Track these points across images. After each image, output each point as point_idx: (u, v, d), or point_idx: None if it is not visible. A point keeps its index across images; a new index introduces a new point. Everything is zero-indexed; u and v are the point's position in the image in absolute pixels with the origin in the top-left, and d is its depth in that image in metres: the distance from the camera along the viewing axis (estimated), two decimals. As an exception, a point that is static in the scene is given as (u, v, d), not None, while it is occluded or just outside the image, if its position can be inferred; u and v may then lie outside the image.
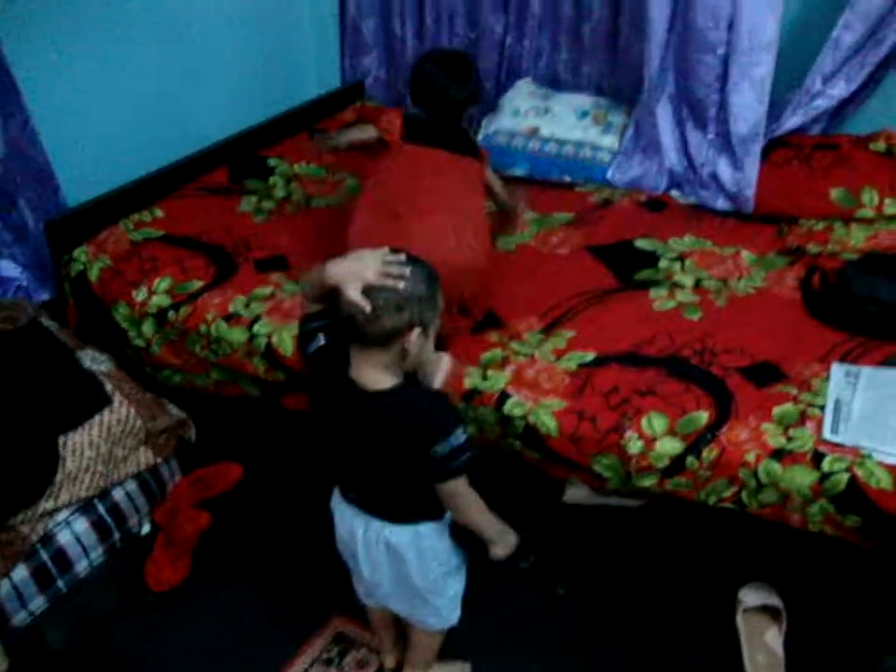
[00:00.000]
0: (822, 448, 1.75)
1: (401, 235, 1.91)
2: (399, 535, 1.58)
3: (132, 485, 2.17)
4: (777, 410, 1.85)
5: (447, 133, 2.23)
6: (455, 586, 1.72)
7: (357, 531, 1.62)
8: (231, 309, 2.24)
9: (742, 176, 2.68)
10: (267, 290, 2.30)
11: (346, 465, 1.62)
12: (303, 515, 2.26)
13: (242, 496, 2.33)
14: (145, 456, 2.18)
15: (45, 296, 2.49)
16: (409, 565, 1.60)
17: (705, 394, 1.90)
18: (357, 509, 1.61)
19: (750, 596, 1.92)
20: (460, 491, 1.47)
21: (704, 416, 1.84)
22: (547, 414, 1.90)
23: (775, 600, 1.91)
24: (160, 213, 2.64)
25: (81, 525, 2.05)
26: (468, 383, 1.99)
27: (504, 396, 1.95)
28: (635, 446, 1.83)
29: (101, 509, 2.09)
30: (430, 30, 3.25)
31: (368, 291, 1.38)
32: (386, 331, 1.38)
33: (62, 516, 2.01)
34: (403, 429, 1.43)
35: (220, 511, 2.26)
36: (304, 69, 3.39)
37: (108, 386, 2.14)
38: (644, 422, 1.85)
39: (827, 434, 1.77)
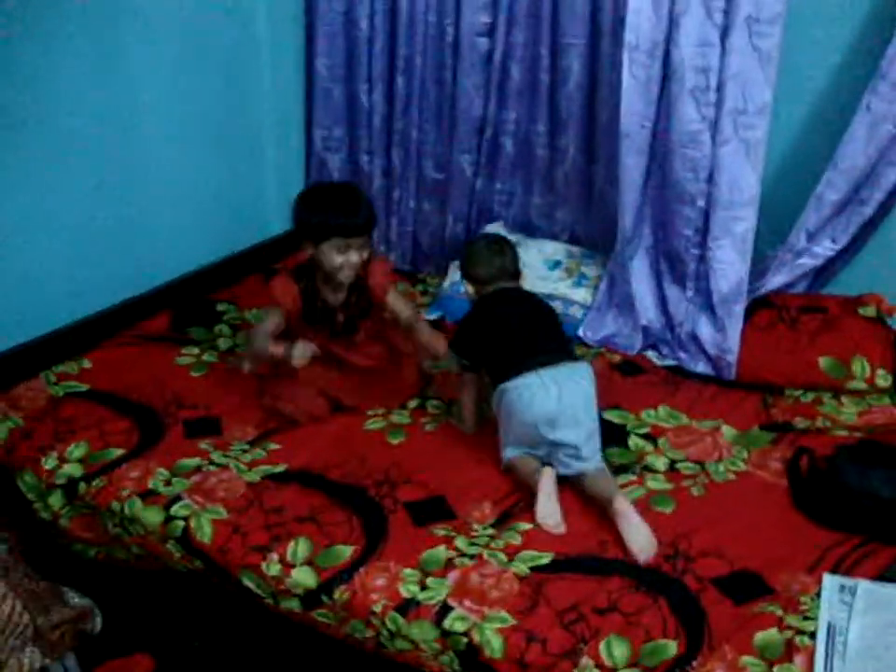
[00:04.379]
0: (814, 695, 1.48)
1: None
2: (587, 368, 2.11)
3: (14, 691, 1.86)
4: (759, 637, 1.58)
5: None
6: None
7: (564, 385, 2.00)
8: (149, 485, 1.99)
9: (724, 339, 2.48)
10: (193, 462, 2.07)
11: (528, 341, 2.08)
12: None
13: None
14: (31, 658, 1.87)
15: (-52, 455, 2.23)
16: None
17: (672, 614, 1.63)
18: (552, 368, 2.01)
19: None
20: None
21: (672, 647, 1.56)
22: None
23: None
24: (87, 364, 2.42)
25: (-57, 748, 1.74)
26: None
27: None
28: (591, 678, 1.55)
29: (-29, 723, 1.78)
30: (398, 169, 3.11)
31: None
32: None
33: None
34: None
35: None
36: (266, 204, 3.23)
37: (-6, 576, 1.86)
38: (602, 647, 1.58)
39: (819, 675, 1.50)
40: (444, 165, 3.05)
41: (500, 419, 2.08)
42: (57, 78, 2.33)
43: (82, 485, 2.03)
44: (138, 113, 2.60)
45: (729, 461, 2.11)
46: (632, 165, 2.50)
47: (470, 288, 2.26)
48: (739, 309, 2.46)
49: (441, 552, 1.80)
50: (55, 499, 2.06)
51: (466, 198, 3.06)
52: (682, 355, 2.58)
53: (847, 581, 1.70)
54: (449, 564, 1.77)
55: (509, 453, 2.05)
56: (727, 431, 2.23)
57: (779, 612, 1.64)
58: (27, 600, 1.88)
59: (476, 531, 1.87)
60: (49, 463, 2.08)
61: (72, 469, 2.06)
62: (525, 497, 1.96)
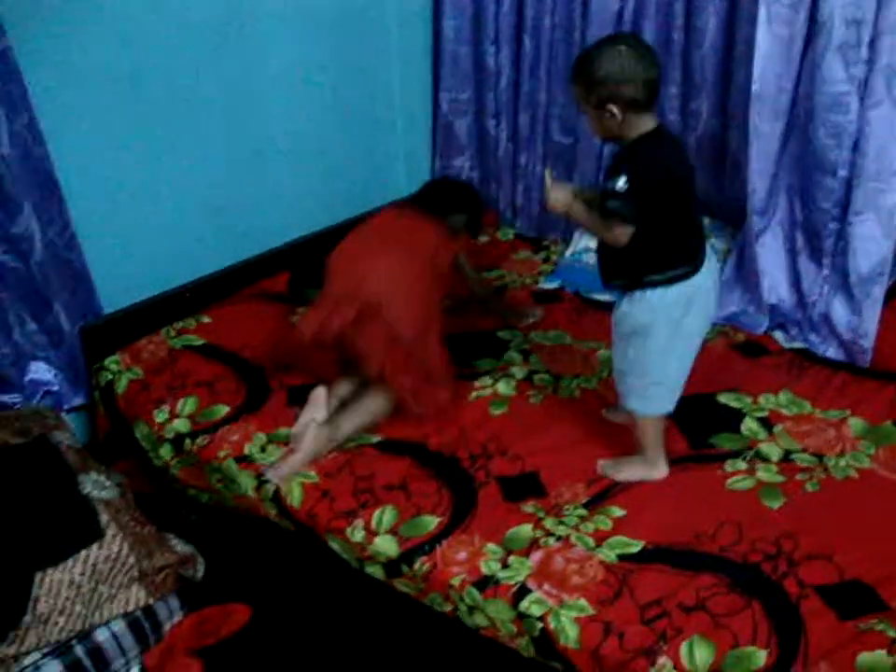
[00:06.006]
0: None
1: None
2: None
3: (119, 625, 1.96)
4: (863, 658, 1.44)
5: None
6: None
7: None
8: (245, 450, 2.05)
9: (860, 322, 2.27)
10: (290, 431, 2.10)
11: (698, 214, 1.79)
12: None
13: (247, 643, 2.09)
14: (136, 596, 1.97)
15: (78, 401, 2.38)
16: None
17: (766, 619, 1.51)
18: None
19: None
20: None
21: (761, 656, 1.45)
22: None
23: None
24: (206, 319, 2.50)
25: (53, 668, 1.86)
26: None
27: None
28: (667, 678, 1.46)
29: (79, 651, 1.89)
30: (524, 133, 3.03)
31: None
32: None
33: (29, 660, 1.83)
34: None
35: (219, 661, 2.02)
36: (393, 168, 3.22)
37: (104, 517, 1.96)
38: (684, 648, 1.49)
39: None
40: (572, 129, 2.94)
41: (665, 339, 1.75)
42: (187, 44, 2.38)
43: (188, 441, 2.10)
44: (266, 78, 2.63)
45: (852, 456, 1.94)
46: (767, 131, 2.32)
47: (613, 119, 1.64)
48: (879, 290, 2.24)
49: (528, 530, 1.76)
50: (165, 451, 2.16)
51: (594, 163, 2.94)
52: (813, 337, 2.39)
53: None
54: (534, 543, 1.72)
55: (668, 401, 1.85)
56: (855, 424, 2.04)
57: (892, 633, 1.49)
58: (133, 543, 1.98)
59: (566, 512, 1.81)
60: (160, 416, 2.17)
61: (180, 425, 2.15)
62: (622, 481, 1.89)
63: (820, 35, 2.18)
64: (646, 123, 1.66)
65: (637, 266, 1.71)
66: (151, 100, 2.34)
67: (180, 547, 2.11)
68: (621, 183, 1.60)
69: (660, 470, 1.89)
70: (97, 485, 2.06)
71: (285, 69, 2.67)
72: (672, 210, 1.68)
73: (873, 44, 2.12)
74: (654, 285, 1.70)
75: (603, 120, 1.66)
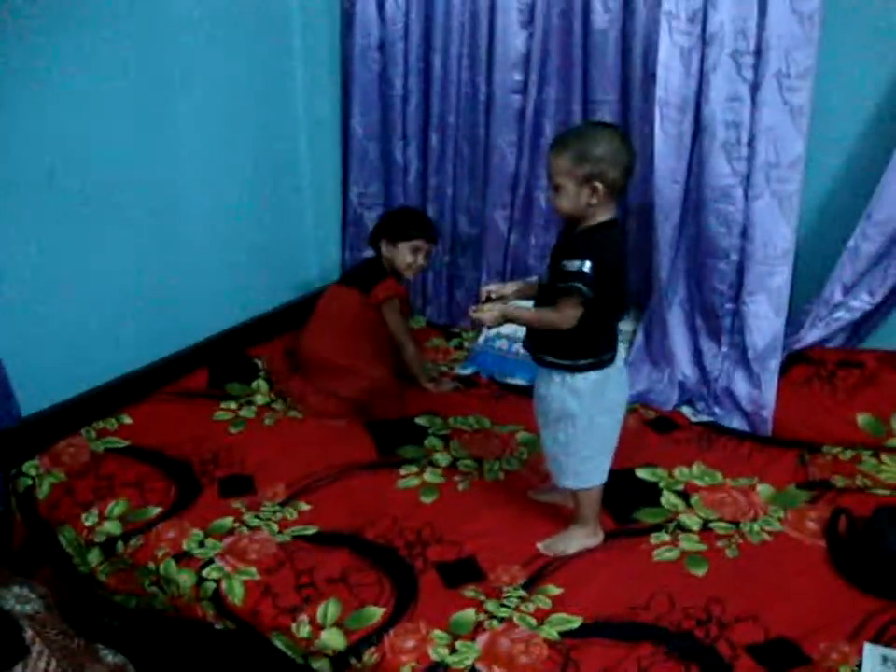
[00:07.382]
0: None
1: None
2: None
3: (49, 750, 1.88)
4: (795, 712, 1.54)
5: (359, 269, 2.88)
6: None
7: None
8: (184, 546, 2.02)
9: (759, 394, 2.45)
10: (227, 522, 2.09)
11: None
12: None
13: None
14: (67, 715, 1.89)
15: (-9, 509, 2.29)
16: None
17: (706, 684, 1.60)
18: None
19: None
20: None
21: (704, 720, 1.53)
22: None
23: None
24: (127, 419, 2.47)
25: None
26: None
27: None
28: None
29: None
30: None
31: None
32: None
33: None
34: None
35: None
36: (305, 261, 3.29)
37: (28, 633, 1.88)
38: (632, 720, 1.55)
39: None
40: (478, 220, 3.09)
41: (589, 418, 1.88)
42: (103, 145, 2.41)
43: (120, 544, 2.06)
44: (179, 176, 2.67)
45: (764, 521, 2.08)
46: (664, 220, 2.51)
47: (593, 197, 1.74)
48: (774, 364, 2.43)
49: (471, 614, 1.79)
50: (93, 556, 2.09)
51: (500, 253, 3.09)
52: (718, 410, 2.56)
53: (890, 653, 1.65)
54: (478, 627, 1.76)
55: (602, 472, 1.97)
56: (763, 489, 2.19)
57: (816, 684, 1.60)
58: (62, 658, 1.90)
59: (506, 594, 1.86)
60: (89, 520, 2.12)
61: (111, 527, 2.10)
62: (555, 560, 1.96)
63: (705, 134, 2.40)
64: (611, 210, 1.80)
65: (573, 349, 1.82)
66: (64, 199, 2.33)
67: (111, 657, 2.03)
68: (588, 266, 1.71)
69: (598, 536, 2.00)
70: (20, 599, 1.97)
71: (197, 173, 2.73)
72: (615, 298, 1.81)
73: (751, 143, 2.35)
74: (583, 369, 1.81)
75: (580, 197, 1.74)
